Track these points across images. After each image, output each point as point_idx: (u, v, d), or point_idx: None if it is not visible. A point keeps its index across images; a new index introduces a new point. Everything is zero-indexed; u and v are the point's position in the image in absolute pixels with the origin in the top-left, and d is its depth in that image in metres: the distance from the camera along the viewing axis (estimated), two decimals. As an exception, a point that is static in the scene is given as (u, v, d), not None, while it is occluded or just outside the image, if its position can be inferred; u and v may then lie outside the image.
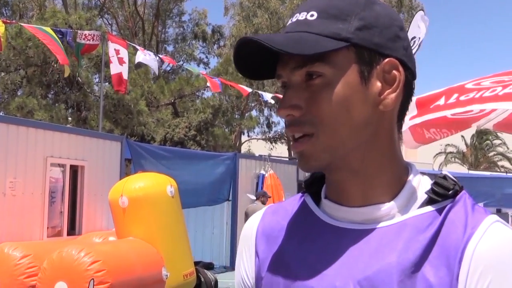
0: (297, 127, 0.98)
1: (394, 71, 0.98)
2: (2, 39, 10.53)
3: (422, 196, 1.00)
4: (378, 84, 0.97)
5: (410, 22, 8.27)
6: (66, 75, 13.33)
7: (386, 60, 0.97)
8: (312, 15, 0.98)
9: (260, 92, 18.65)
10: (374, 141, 0.99)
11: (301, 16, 0.99)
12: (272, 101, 18.21)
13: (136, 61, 14.42)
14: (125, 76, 13.30)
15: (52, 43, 11.58)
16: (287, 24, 1.02)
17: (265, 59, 1.00)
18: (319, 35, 0.95)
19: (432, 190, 0.99)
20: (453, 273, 0.91)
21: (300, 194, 1.15)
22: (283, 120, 1.02)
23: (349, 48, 0.96)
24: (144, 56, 14.13)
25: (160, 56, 16.83)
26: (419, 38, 7.62)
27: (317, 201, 1.09)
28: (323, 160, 0.98)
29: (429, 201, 0.99)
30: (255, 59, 1.01)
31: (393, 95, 0.98)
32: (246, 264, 1.14)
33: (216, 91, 16.90)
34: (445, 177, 1.01)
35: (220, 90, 16.36)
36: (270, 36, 0.95)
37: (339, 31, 0.95)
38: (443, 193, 0.98)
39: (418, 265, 0.92)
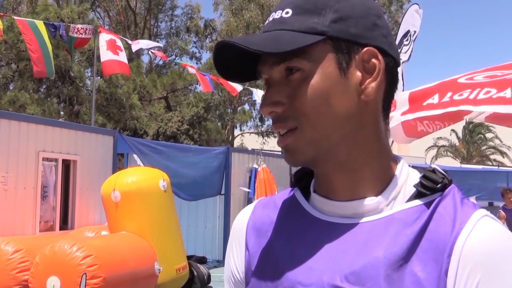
0: (281, 123, 0.99)
1: (373, 60, 0.98)
2: (1, 26, 10.51)
3: (410, 190, 1.00)
4: (358, 73, 0.98)
5: (403, 16, 8.31)
6: (50, 76, 13.19)
7: (365, 49, 0.98)
8: (287, 13, 0.99)
9: (251, 88, 18.54)
10: (360, 132, 0.99)
11: (277, 14, 1.00)
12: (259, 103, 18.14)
13: (134, 50, 14.50)
14: (126, 61, 13.34)
15: (37, 51, 11.42)
16: (265, 24, 1.03)
17: (246, 61, 1.01)
18: (295, 31, 0.96)
19: (420, 184, 0.99)
20: (442, 268, 0.90)
21: (290, 188, 1.14)
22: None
23: (326, 41, 0.96)
24: (138, 44, 14.22)
25: (152, 51, 16.78)
26: (414, 31, 7.65)
27: (307, 195, 1.09)
28: (308, 154, 0.99)
29: (417, 195, 0.98)
30: (236, 61, 1.01)
31: (373, 84, 0.98)
32: (236, 257, 1.13)
33: (208, 91, 16.86)
34: (434, 170, 1.00)
35: (212, 90, 16.36)
36: (246, 38, 0.96)
37: (314, 25, 0.96)
38: (431, 186, 0.97)
39: (405, 259, 0.92)
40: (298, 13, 0.98)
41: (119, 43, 13.22)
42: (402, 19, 8.02)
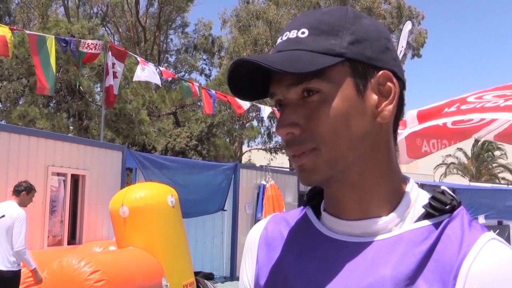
0: (297, 146, 0.98)
1: (389, 83, 0.99)
2: (9, 45, 10.56)
3: (419, 210, 1.01)
4: (374, 96, 0.99)
5: (400, 34, 8.32)
6: (50, 93, 13.19)
7: (380, 72, 0.99)
8: (303, 33, 0.99)
9: (259, 105, 18.49)
10: (373, 153, 1.01)
11: (292, 34, 1.00)
12: (267, 120, 18.04)
13: (135, 79, 14.42)
14: (115, 90, 13.38)
15: (39, 67, 11.48)
16: (278, 43, 1.03)
17: (256, 80, 1.01)
18: (314, 52, 0.96)
19: (429, 205, 0.99)
20: None
21: (302, 206, 1.16)
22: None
23: (344, 63, 0.96)
24: (143, 72, 14.09)
25: (161, 68, 16.80)
26: (403, 47, 7.71)
27: (318, 214, 1.10)
28: (324, 174, 0.99)
29: (426, 216, 0.99)
30: (247, 80, 1.01)
31: (390, 107, 0.99)
32: (248, 270, 1.16)
33: (209, 113, 16.80)
34: (443, 192, 1.01)
35: (212, 112, 16.34)
36: (265, 56, 0.95)
37: (332, 46, 0.96)
38: (440, 207, 0.98)
39: (412, 278, 0.92)
40: (314, 34, 0.98)
41: (118, 68, 13.27)
42: (400, 37, 8.05)
